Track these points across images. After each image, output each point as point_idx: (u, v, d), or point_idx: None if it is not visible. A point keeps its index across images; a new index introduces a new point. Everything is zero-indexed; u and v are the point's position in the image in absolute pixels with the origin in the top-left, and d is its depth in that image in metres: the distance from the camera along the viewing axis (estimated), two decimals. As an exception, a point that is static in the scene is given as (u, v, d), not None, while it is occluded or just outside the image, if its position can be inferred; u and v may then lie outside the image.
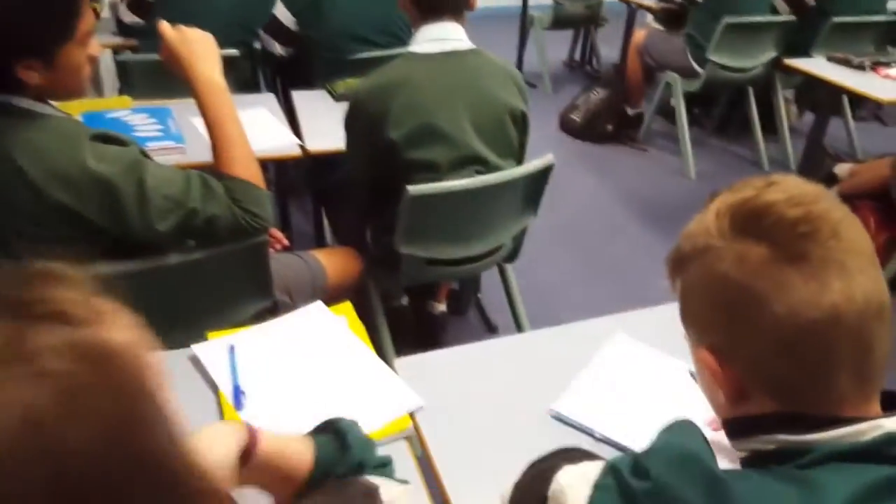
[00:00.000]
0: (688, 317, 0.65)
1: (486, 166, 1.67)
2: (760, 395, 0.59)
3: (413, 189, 1.53)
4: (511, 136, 1.73)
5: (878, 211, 2.78)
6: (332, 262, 1.74)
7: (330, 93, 2.36)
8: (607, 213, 3.23)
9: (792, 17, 3.41)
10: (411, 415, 0.99)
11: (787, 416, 0.58)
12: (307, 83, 2.47)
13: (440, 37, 1.62)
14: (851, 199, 3.03)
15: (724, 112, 4.10)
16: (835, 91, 2.60)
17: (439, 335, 2.26)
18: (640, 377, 1.07)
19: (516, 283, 2.11)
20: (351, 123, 1.69)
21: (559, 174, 3.62)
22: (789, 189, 0.58)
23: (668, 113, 3.96)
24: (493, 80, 1.68)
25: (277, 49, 2.57)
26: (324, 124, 2.05)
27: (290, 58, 2.64)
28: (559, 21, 4.72)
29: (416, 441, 0.97)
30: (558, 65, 5.37)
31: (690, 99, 3.83)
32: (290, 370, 1.06)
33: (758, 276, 0.56)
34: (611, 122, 3.97)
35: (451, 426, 0.98)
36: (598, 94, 4.02)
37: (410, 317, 2.29)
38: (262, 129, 2.07)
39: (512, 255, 2.03)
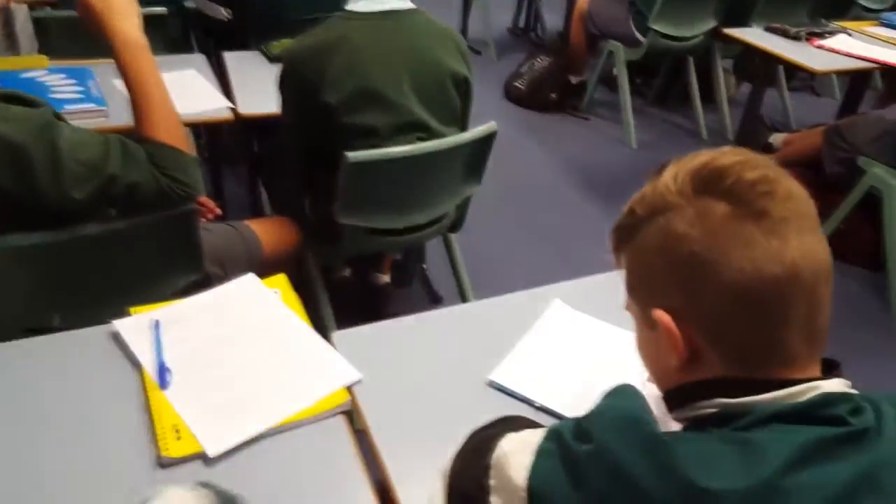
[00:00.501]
0: (638, 283, 0.64)
1: (428, 132, 1.62)
2: (714, 356, 0.59)
3: (352, 155, 1.48)
4: (453, 101, 1.68)
5: (811, 179, 2.85)
6: (268, 232, 1.67)
7: (265, 54, 2.26)
8: (551, 181, 3.24)
9: (731, -13, 3.45)
10: (349, 389, 0.95)
11: (730, 380, 0.58)
12: (242, 44, 2.35)
13: (378, -6, 1.56)
14: (786, 167, 3.12)
15: (664, 82, 4.14)
16: (771, 61, 2.63)
17: (383, 307, 2.22)
18: (577, 345, 1.07)
19: (460, 254, 2.09)
20: (284, 86, 1.61)
21: (503, 143, 3.59)
22: (744, 155, 0.60)
23: (610, 82, 3.97)
24: (435, 43, 1.62)
25: (223, 13, 2.43)
26: (258, 87, 1.96)
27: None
28: (503, -14, 4.65)
29: (355, 416, 0.93)
30: (503, 31, 5.31)
31: (633, 69, 3.85)
32: (218, 346, 1.01)
33: (720, 233, 0.56)
34: (555, 91, 3.95)
35: (391, 399, 0.95)
36: (542, 63, 4.00)
37: (353, 288, 2.25)
38: (191, 91, 1.97)
39: (456, 225, 2.00)
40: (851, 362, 2.22)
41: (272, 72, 1.70)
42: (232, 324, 1.05)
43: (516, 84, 4.05)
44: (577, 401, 0.92)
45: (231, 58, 2.22)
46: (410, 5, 1.61)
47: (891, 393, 0.62)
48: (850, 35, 2.81)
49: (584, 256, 2.39)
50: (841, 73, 3.39)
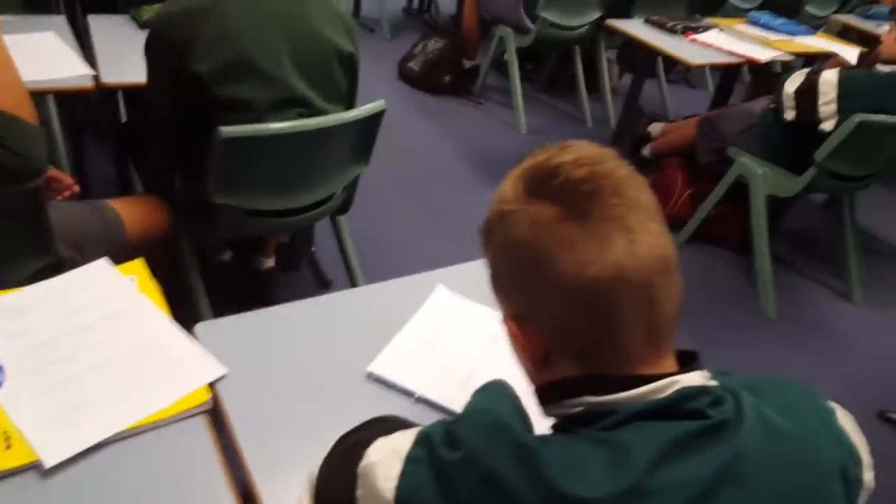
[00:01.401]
0: (495, 287, 0.64)
1: (309, 109, 1.54)
2: (563, 358, 0.59)
3: (226, 130, 1.37)
4: (338, 78, 1.60)
5: (685, 167, 3.01)
6: (134, 212, 1.53)
7: (135, 19, 2.09)
8: (443, 164, 3.22)
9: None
10: (211, 385, 0.88)
11: (590, 378, 0.58)
12: (111, 8, 2.16)
13: (256, -40, 1.45)
14: (663, 156, 3.28)
15: (553, 69, 4.22)
16: (650, 53, 2.73)
17: (268, 293, 2.12)
18: (459, 332, 1.04)
19: (350, 236, 2.02)
20: (151, 53, 1.47)
21: (396, 123, 3.55)
22: (578, 151, 0.59)
23: (502, 67, 4.00)
24: (318, 16, 1.53)
25: None
26: (124, 54, 1.81)
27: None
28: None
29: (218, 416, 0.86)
30: (397, 11, 5.23)
31: (523, 55, 3.89)
32: (62, 341, 0.90)
33: (546, 236, 0.56)
34: (448, 74, 3.93)
35: (259, 396, 0.89)
36: (435, 45, 3.96)
37: (234, 273, 2.13)
38: (47, 56, 1.79)
39: (344, 207, 1.93)
40: (721, 341, 2.37)
41: (141, 38, 1.55)
42: (79, 315, 0.94)
43: (410, 65, 3.99)
44: (457, 391, 0.90)
45: (96, 21, 2.03)
46: (291, -26, 1.51)
47: (749, 380, 0.64)
48: (721, 31, 2.96)
49: (475, 239, 2.39)
50: (713, 67, 3.59)
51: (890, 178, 3.20)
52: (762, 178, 2.50)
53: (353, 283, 2.02)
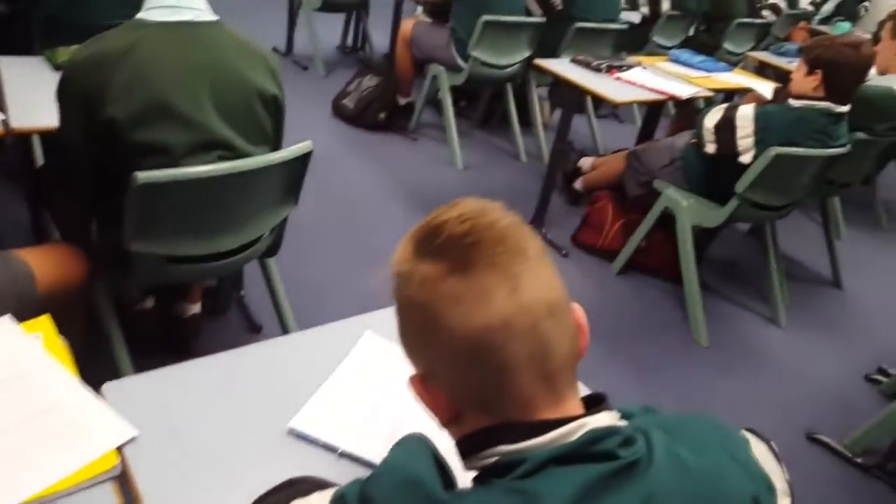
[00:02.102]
0: (403, 346, 0.64)
1: (232, 152, 1.50)
2: (470, 412, 0.59)
3: (141, 176, 1.32)
4: (262, 120, 1.58)
5: (616, 200, 3.09)
6: (46, 262, 1.45)
7: (50, 61, 2.01)
8: (379, 202, 3.20)
9: (542, 19, 3.66)
10: (119, 449, 0.82)
11: (498, 427, 0.57)
12: (27, 49, 2.08)
13: (174, 4, 1.42)
14: (594, 189, 3.36)
15: (487, 106, 4.30)
16: (578, 90, 2.81)
17: (191, 341, 2.04)
18: (386, 380, 1.02)
19: (280, 279, 1.98)
20: (63, 98, 1.42)
21: (330, 161, 3.53)
22: (462, 207, 0.60)
23: (437, 104, 4.05)
24: (240, 58, 1.51)
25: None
26: (38, 97, 1.72)
27: (6, 15, 2.21)
28: (328, 5, 4.59)
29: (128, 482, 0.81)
30: (331, 49, 5.25)
31: (458, 92, 3.95)
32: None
33: (434, 293, 0.57)
34: (383, 111, 3.95)
35: (172, 459, 0.83)
36: (370, 82, 3.97)
37: (157, 321, 2.04)
38: (-49, 99, 1.69)
39: (272, 249, 1.88)
40: (655, 370, 2.41)
41: (56, 81, 1.50)
42: (-28, 380, 0.88)
43: (344, 102, 3.99)
44: (383, 443, 0.87)
45: (8, 63, 1.95)
46: (211, 17, 1.49)
47: (661, 417, 0.64)
48: (644, 69, 3.08)
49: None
50: (637, 103, 3.71)
51: (809, 205, 3.36)
52: (687, 209, 2.58)
53: (283, 328, 1.97)
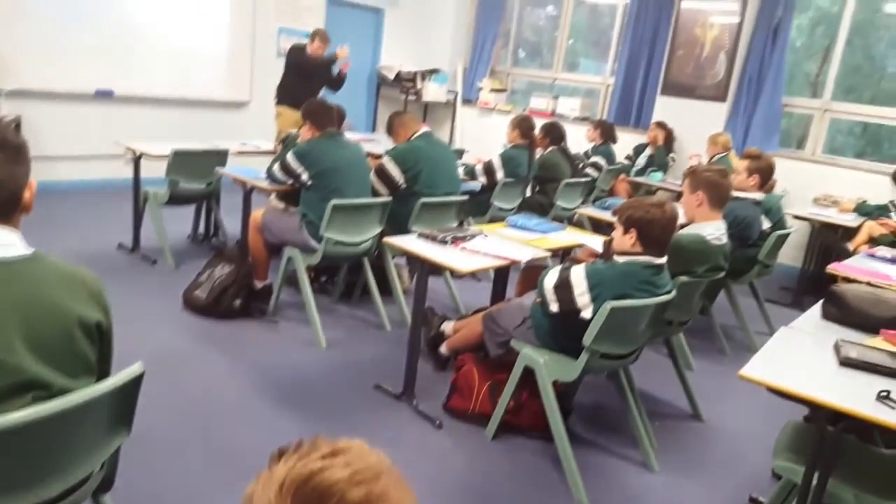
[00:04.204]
0: None
1: (48, 391, 1.38)
2: None
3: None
4: (84, 350, 1.47)
5: (480, 362, 3.13)
6: None
7: None
8: (238, 399, 3.02)
9: (389, 198, 3.86)
10: None
11: None
12: None
13: (-20, 243, 1.34)
14: (459, 353, 3.40)
15: (347, 280, 4.34)
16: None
17: None
18: None
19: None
20: None
21: (182, 359, 3.34)
22: (353, 462, 0.57)
23: (296, 283, 4.03)
24: (57, 289, 1.43)
25: None
26: None
27: None
28: (176, 198, 4.59)
29: None
30: (182, 239, 5.17)
31: (316, 268, 3.97)
32: None
33: None
34: (239, 297, 3.87)
35: None
36: (223, 270, 3.91)
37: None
38: None
39: (106, 484, 1.69)
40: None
41: None
42: None
43: (196, 293, 3.87)
44: None
45: None
46: (24, 251, 1.41)
47: None
48: (486, 236, 3.28)
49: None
50: (482, 270, 3.90)
51: (658, 341, 3.58)
52: (545, 366, 2.66)
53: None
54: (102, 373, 1.56)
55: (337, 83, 6.47)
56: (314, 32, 6.27)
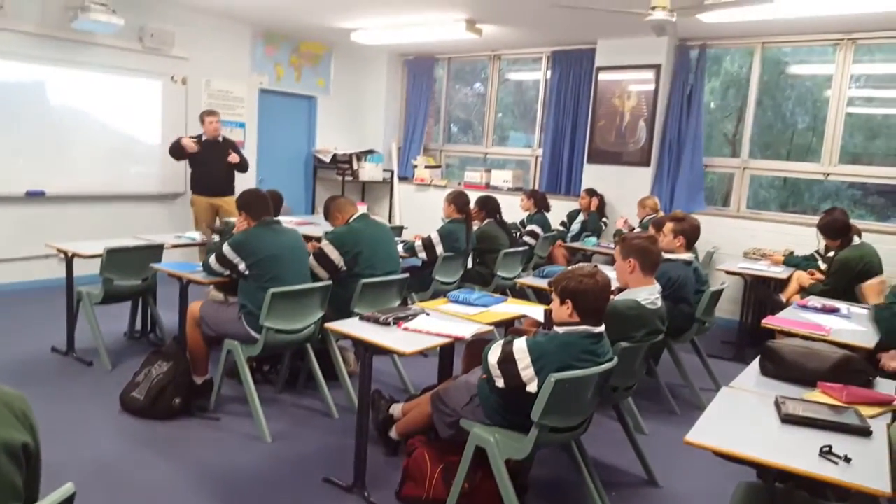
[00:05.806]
0: None
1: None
2: None
3: None
4: (10, 477, 1.39)
5: (431, 444, 3.08)
6: None
7: None
8: (182, 500, 2.88)
9: (329, 282, 3.85)
10: None
11: None
12: None
13: None
14: (409, 436, 3.34)
15: (290, 368, 4.25)
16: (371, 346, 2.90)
17: None
18: None
19: None
20: None
21: (121, 467, 3.17)
22: None
23: (237, 375, 3.92)
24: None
25: None
26: None
27: None
28: (111, 296, 4.46)
29: None
30: (118, 337, 4.99)
31: (259, 359, 3.86)
32: None
33: None
34: (178, 395, 3.72)
35: None
36: (160, 368, 3.78)
37: None
38: None
39: None
40: None
41: None
42: None
43: (133, 395, 3.72)
44: None
45: None
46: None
47: None
48: (428, 314, 3.30)
49: None
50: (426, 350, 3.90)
51: (604, 409, 3.61)
52: (495, 444, 2.64)
53: None
54: (30, 499, 1.48)
55: (240, 166, 6.73)
56: (200, 116, 6.68)
